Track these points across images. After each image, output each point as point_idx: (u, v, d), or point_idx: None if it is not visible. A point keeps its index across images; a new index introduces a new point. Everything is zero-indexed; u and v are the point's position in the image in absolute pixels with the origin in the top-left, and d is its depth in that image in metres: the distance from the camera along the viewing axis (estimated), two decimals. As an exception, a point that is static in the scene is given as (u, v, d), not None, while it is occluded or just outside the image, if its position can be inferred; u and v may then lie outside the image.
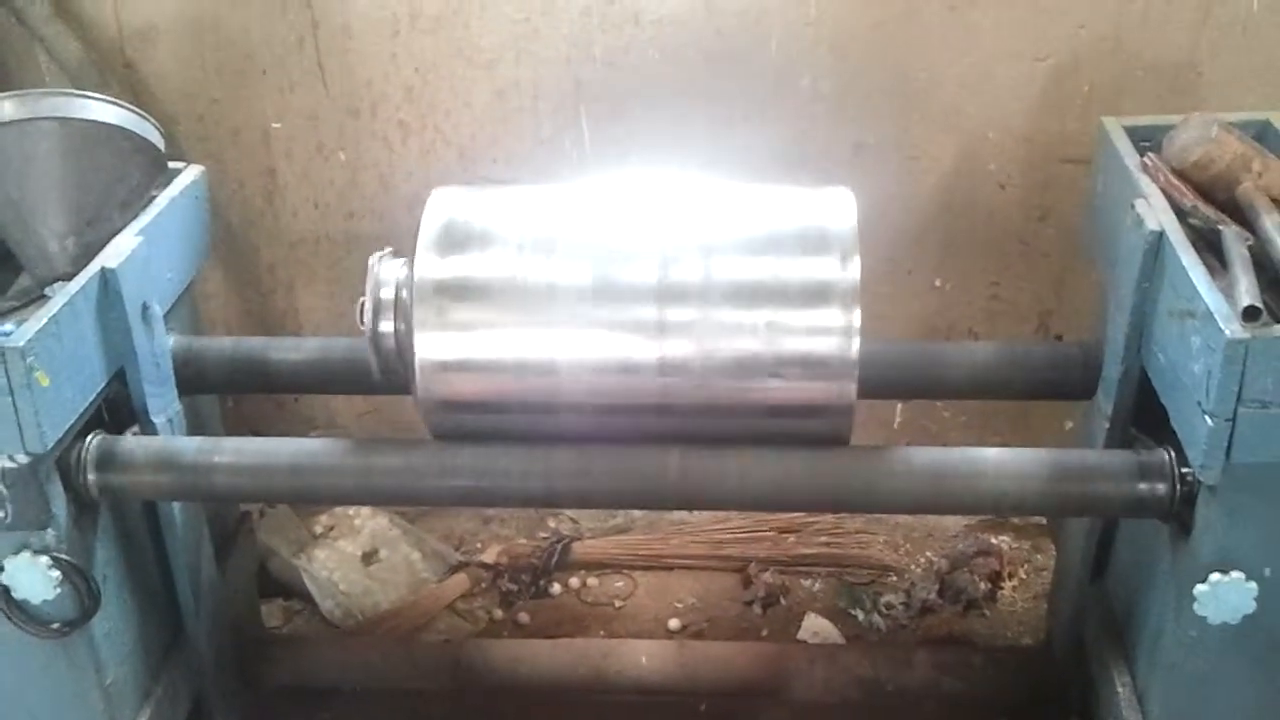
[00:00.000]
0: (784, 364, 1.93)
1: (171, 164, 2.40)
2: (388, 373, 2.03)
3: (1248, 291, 1.79)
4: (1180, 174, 2.13)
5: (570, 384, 1.97)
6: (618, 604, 3.07)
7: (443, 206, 2.03)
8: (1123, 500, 2.01)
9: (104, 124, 2.19)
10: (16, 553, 1.99)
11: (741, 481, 2.03)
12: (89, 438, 2.07)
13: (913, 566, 3.14)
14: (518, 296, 1.96)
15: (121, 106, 2.24)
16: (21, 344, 1.83)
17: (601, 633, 2.98)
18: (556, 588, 3.12)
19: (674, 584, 3.12)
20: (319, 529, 3.21)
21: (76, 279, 2.02)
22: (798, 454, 2.03)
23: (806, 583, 3.11)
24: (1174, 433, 1.94)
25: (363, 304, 2.00)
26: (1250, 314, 1.74)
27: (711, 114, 2.88)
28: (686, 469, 2.02)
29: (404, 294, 1.99)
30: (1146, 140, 2.29)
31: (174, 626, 2.40)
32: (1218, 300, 1.79)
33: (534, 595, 3.09)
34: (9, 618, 2.04)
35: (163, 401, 2.21)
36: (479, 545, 3.26)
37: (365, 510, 3.23)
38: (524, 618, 3.03)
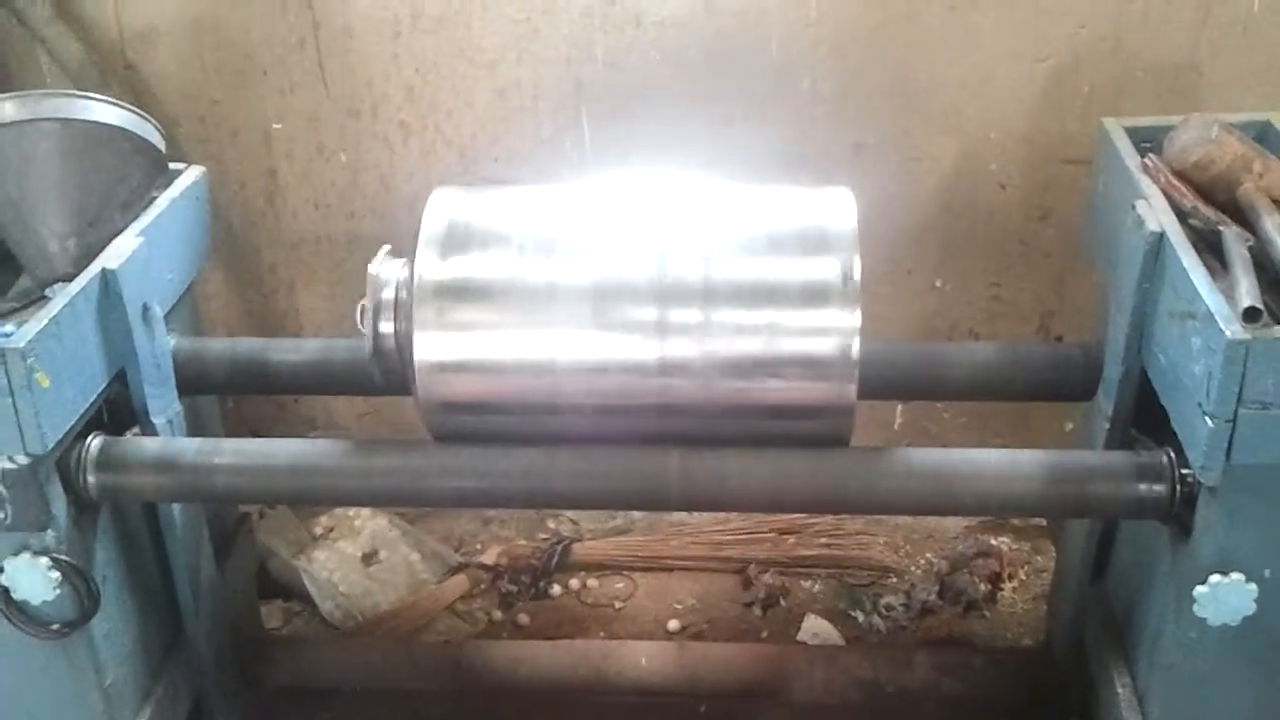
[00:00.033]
0: (784, 365, 1.93)
1: (172, 165, 2.40)
2: (388, 374, 2.03)
3: (1248, 293, 1.79)
4: (1181, 175, 2.13)
5: (570, 385, 1.97)
6: (617, 605, 3.07)
7: (443, 207, 2.03)
8: (1123, 501, 2.01)
9: (105, 125, 2.19)
10: (16, 554, 1.99)
11: (741, 482, 2.03)
12: (89, 439, 2.07)
13: (913, 568, 3.14)
14: (518, 297, 1.96)
15: (122, 107, 2.24)
16: (22, 345, 1.83)
17: (601, 634, 2.98)
18: (556, 589, 3.11)
19: (674, 585, 3.12)
20: (319, 530, 3.21)
21: (77, 280, 2.02)
22: (798, 455, 2.03)
23: (806, 584, 3.11)
24: (1174, 434, 1.94)
25: (363, 306, 2.00)
26: (1251, 315, 1.74)
27: (712, 114, 2.88)
28: (686, 470, 2.02)
29: (404, 294, 1.99)
30: (1147, 141, 2.29)
31: (174, 627, 2.40)
32: (1218, 301, 1.79)
33: (534, 596, 3.09)
34: (9, 618, 2.04)
35: (163, 402, 2.21)
36: (479, 546, 3.26)
37: (365, 511, 3.23)
38: (524, 619, 3.03)
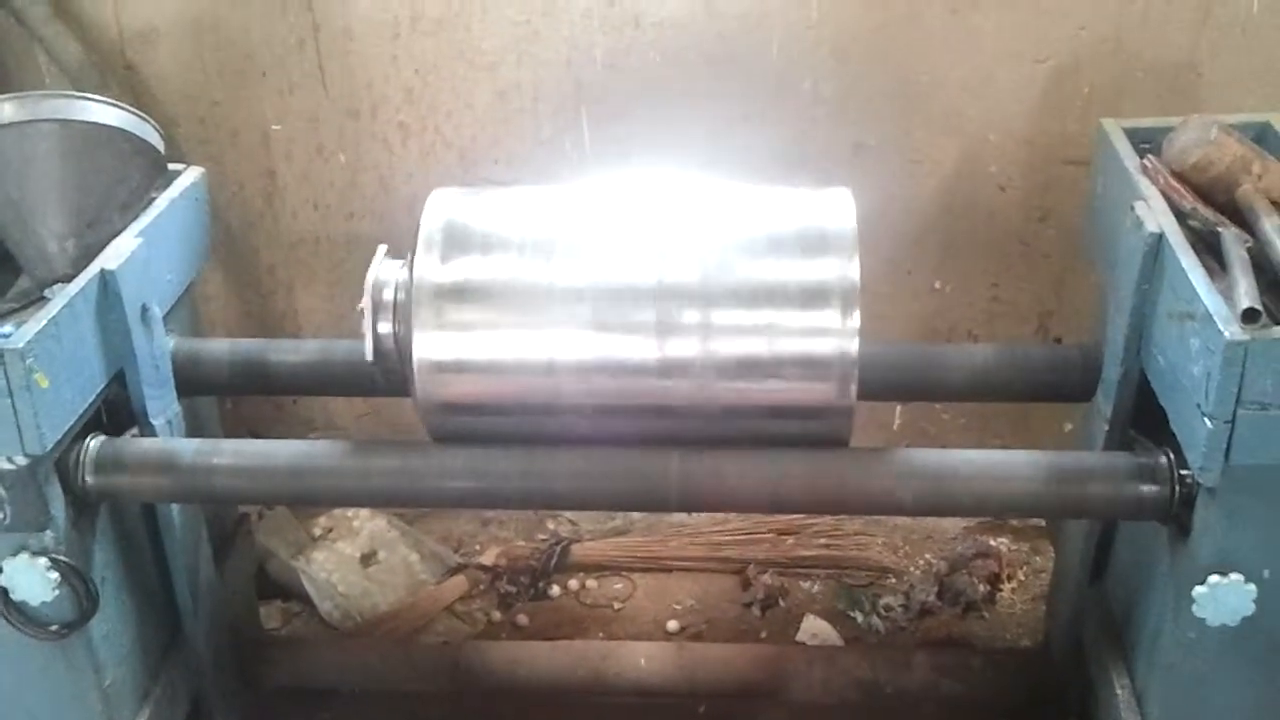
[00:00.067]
0: (784, 365, 1.93)
1: (171, 166, 2.40)
2: (387, 374, 2.03)
3: (1247, 293, 1.79)
4: (1180, 176, 2.13)
5: (569, 386, 1.97)
6: (616, 606, 3.07)
7: (442, 208, 2.03)
8: (1122, 502, 2.01)
9: (104, 126, 2.19)
10: (15, 554, 1.99)
11: (741, 483, 2.03)
12: (88, 439, 2.07)
13: (911, 568, 3.14)
14: (517, 298, 1.96)
15: (121, 108, 2.24)
16: (21, 345, 1.83)
17: (600, 634, 2.98)
18: (555, 590, 3.11)
19: (673, 586, 3.12)
20: (317, 531, 3.21)
21: (76, 281, 2.02)
22: (797, 456, 2.03)
23: (805, 584, 3.11)
24: (1173, 435, 1.94)
25: (362, 308, 2.00)
26: (1249, 316, 1.74)
27: (712, 115, 2.88)
28: (686, 471, 2.02)
29: (403, 295, 1.99)
30: (1146, 142, 2.29)
31: (172, 628, 2.40)
32: (1217, 302, 1.79)
33: (533, 597, 3.09)
34: (8, 619, 2.03)
35: (162, 403, 2.21)
36: (478, 547, 3.26)
37: (364, 512, 3.23)
38: (523, 620, 3.03)
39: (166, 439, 2.20)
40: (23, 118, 2.13)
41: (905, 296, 3.06)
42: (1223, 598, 1.89)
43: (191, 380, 2.32)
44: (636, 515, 3.31)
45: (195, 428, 2.38)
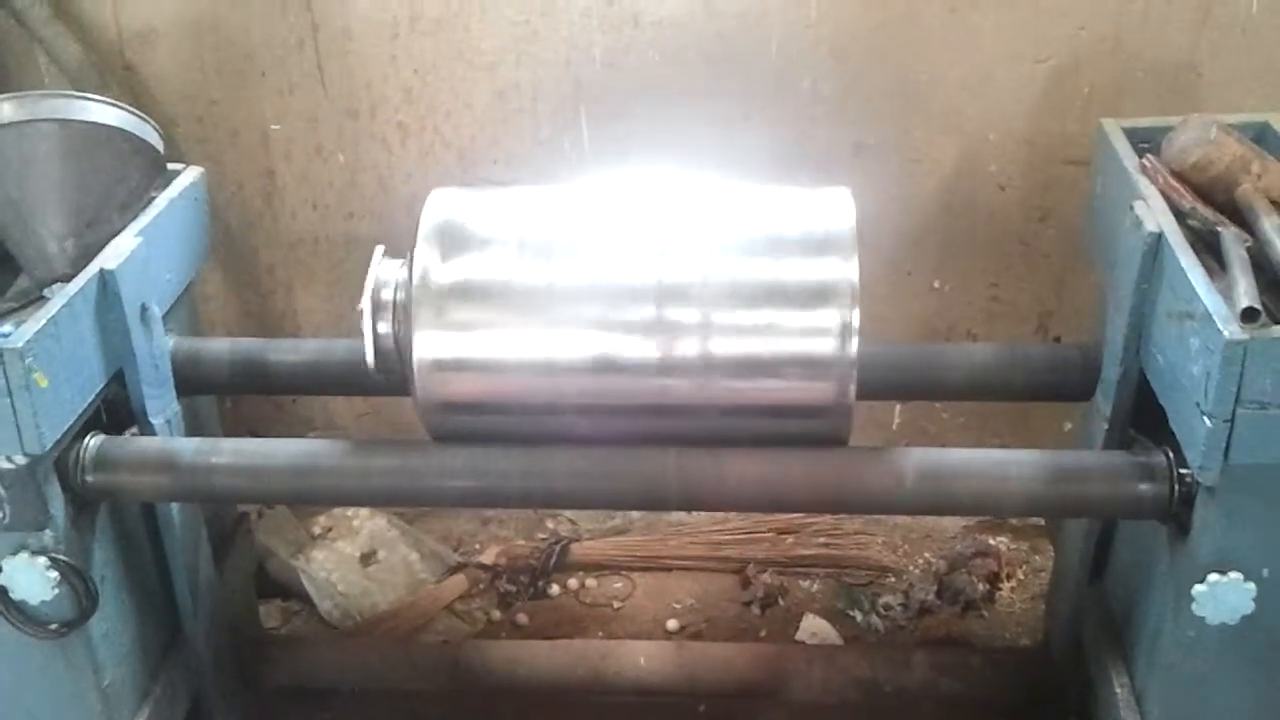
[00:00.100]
0: (783, 365, 1.93)
1: (171, 165, 2.40)
2: (386, 373, 2.03)
3: (1246, 293, 1.79)
4: (1179, 175, 2.13)
5: (569, 385, 1.97)
6: (616, 605, 3.07)
7: (441, 207, 2.03)
8: (1121, 501, 2.01)
9: (103, 126, 2.19)
10: (15, 553, 1.99)
11: (740, 482, 2.03)
12: (87, 439, 2.07)
13: (911, 567, 3.14)
14: (516, 297, 1.96)
15: (121, 108, 2.24)
16: (20, 345, 1.83)
17: (600, 634, 2.98)
18: (555, 589, 3.11)
19: (672, 585, 3.12)
20: (317, 530, 3.21)
21: (75, 280, 2.02)
22: (797, 455, 2.03)
23: (805, 583, 3.11)
24: (1173, 434, 1.94)
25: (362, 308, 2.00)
26: (1249, 315, 1.74)
27: (711, 115, 2.88)
28: (685, 470, 2.02)
29: (403, 295, 1.99)
30: (1146, 142, 2.29)
31: (172, 627, 2.40)
32: (1216, 302, 1.79)
33: (532, 596, 3.09)
34: (7, 618, 2.04)
35: (161, 402, 2.21)
36: (477, 546, 3.26)
37: (364, 511, 3.23)
38: (522, 619, 3.03)
39: (166, 438, 2.20)
40: (22, 118, 2.13)
41: (905, 296, 3.06)
42: (1222, 596, 1.89)
43: (191, 380, 2.32)
44: (636, 514, 3.31)
45: (195, 427, 2.38)
